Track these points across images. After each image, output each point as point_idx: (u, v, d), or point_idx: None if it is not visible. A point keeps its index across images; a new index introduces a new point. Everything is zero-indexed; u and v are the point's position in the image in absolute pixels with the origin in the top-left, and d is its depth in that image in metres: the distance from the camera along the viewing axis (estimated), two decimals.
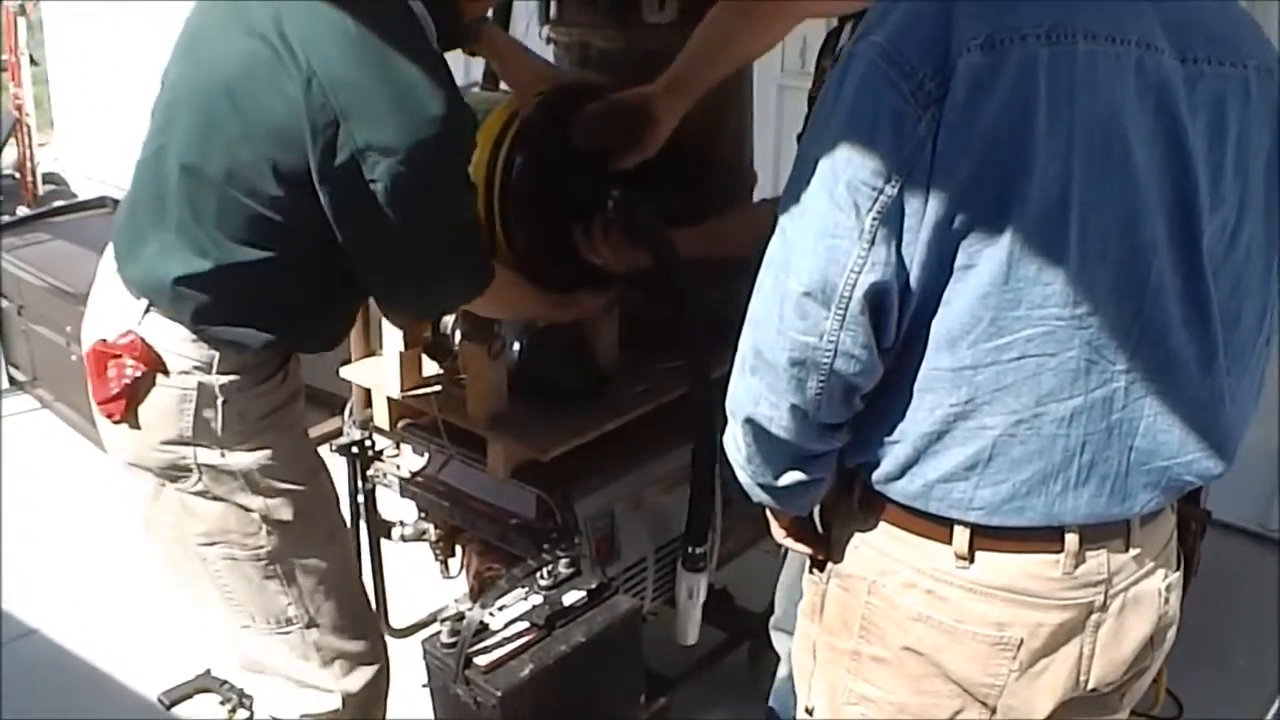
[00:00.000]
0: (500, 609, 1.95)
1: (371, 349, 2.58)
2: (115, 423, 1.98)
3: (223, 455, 1.99)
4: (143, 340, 1.93)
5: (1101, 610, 1.48)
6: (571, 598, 1.99)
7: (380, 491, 2.66)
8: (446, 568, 2.71)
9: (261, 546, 2.06)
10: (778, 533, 1.68)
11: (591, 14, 2.39)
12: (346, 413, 2.62)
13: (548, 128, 2.13)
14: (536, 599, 1.99)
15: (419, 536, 2.67)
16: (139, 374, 1.92)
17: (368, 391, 2.57)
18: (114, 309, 1.98)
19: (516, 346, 2.30)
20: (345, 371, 2.52)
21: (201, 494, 2.02)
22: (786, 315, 1.36)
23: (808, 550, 1.65)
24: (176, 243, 1.89)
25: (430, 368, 2.45)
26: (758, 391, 1.43)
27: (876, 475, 1.49)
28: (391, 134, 1.74)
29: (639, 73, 2.30)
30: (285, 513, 2.06)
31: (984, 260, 1.32)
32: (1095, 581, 1.47)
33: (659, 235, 2.15)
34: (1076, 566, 1.45)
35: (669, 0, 2.31)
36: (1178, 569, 1.59)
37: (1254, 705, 3.06)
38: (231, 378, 1.96)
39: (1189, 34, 1.36)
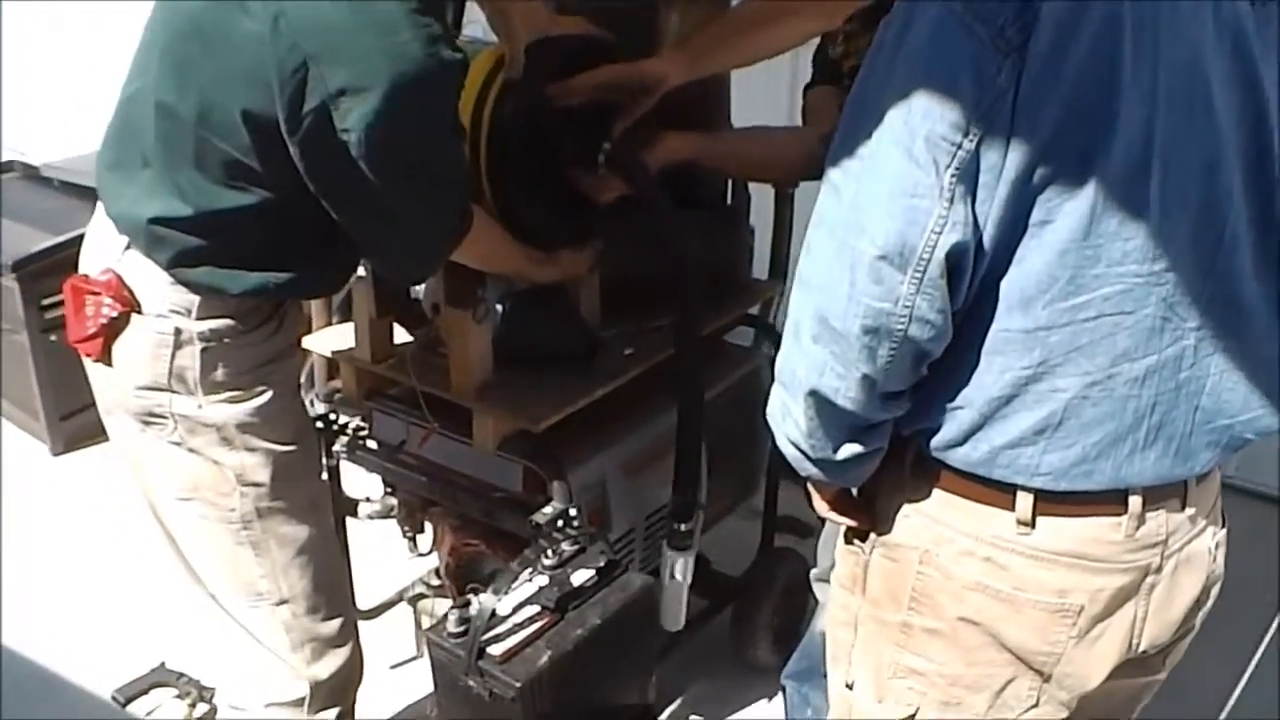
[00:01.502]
0: (496, 590, 1.84)
1: (331, 317, 2.43)
2: (94, 362, 1.89)
3: (199, 406, 1.87)
4: (120, 279, 1.82)
5: (1157, 572, 1.44)
6: (580, 577, 1.88)
7: (344, 467, 2.51)
8: (415, 545, 2.60)
9: (234, 509, 1.94)
10: (820, 506, 1.60)
11: None
12: (305, 384, 2.46)
13: (541, 76, 1.99)
14: (542, 579, 1.88)
15: (387, 514, 2.57)
16: (115, 314, 1.82)
17: (329, 361, 2.42)
18: (99, 245, 1.88)
19: (500, 310, 2.17)
20: (308, 341, 2.36)
21: (176, 444, 1.90)
22: (859, 280, 1.28)
23: (851, 522, 1.57)
24: (155, 182, 1.77)
25: (400, 335, 2.31)
26: (822, 361, 1.35)
27: (935, 442, 1.42)
28: (366, 76, 1.58)
29: (621, 20, 2.19)
30: (262, 474, 1.93)
31: (1063, 216, 1.26)
32: (1154, 543, 1.43)
33: (655, 190, 2.05)
34: (1138, 528, 1.41)
35: None
36: (1223, 525, 1.55)
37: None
38: (212, 324, 1.83)
39: None
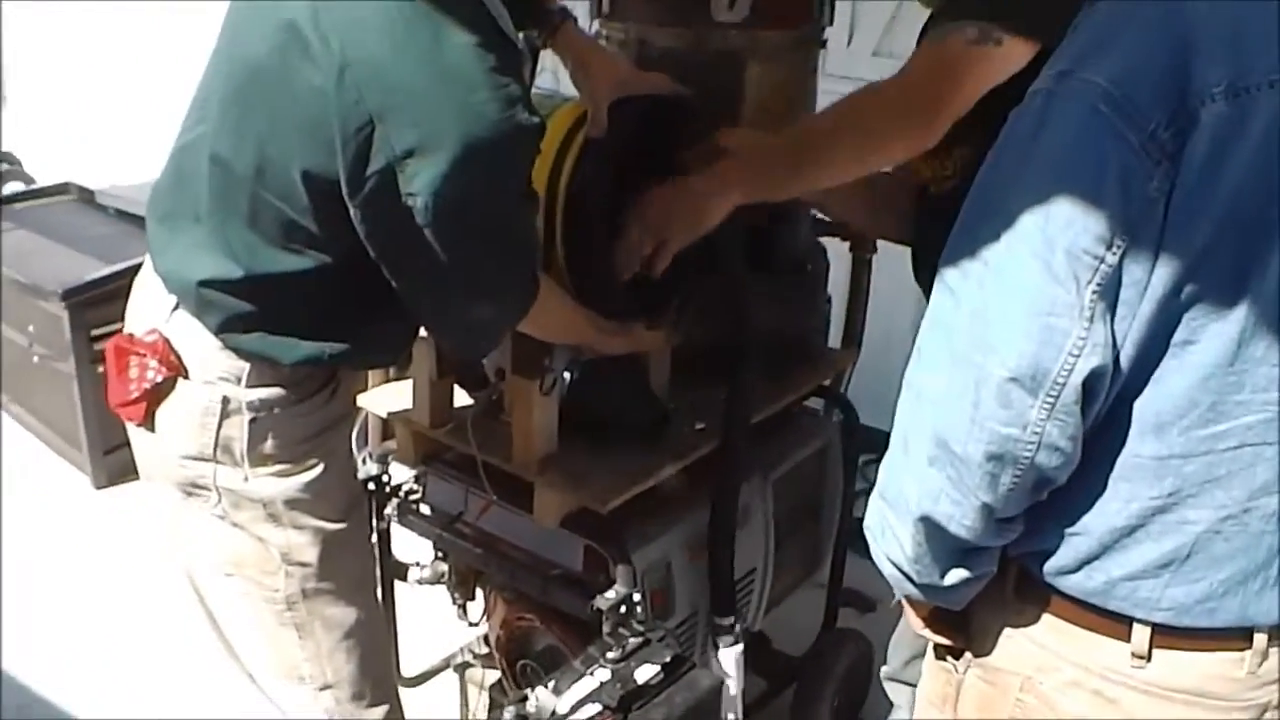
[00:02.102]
0: (557, 690, 1.72)
1: (389, 374, 2.33)
2: (136, 426, 1.80)
3: (245, 480, 1.77)
4: (167, 341, 1.73)
5: (1276, 709, 1.34)
6: (645, 672, 1.76)
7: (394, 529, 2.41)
8: (465, 612, 2.49)
9: (278, 590, 1.84)
10: (915, 623, 1.49)
11: (652, 8, 2.15)
12: (357, 442, 2.36)
13: (623, 138, 1.88)
14: (604, 673, 1.76)
15: (437, 579, 2.46)
16: (161, 378, 1.73)
17: (384, 420, 2.32)
18: (146, 302, 1.78)
19: (566, 379, 2.05)
20: (363, 399, 2.27)
21: (220, 518, 1.81)
22: (984, 402, 1.17)
23: (947, 641, 1.46)
24: (207, 240, 1.67)
25: (460, 398, 2.21)
26: (937, 486, 1.24)
27: (1047, 567, 1.32)
28: (436, 138, 1.46)
29: (705, 75, 2.09)
30: (310, 553, 1.83)
31: (1209, 336, 1.16)
32: (1273, 680, 1.32)
33: (737, 262, 1.94)
34: (1261, 664, 1.30)
35: None
36: None
37: None
38: (263, 393, 1.74)
39: None
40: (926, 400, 1.25)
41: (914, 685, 2.16)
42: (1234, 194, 1.11)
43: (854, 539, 2.77)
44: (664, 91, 1.97)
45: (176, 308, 1.73)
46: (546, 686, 1.70)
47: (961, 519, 1.25)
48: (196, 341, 1.72)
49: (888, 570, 1.38)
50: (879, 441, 2.44)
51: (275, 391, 1.74)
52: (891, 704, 2.42)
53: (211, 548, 1.84)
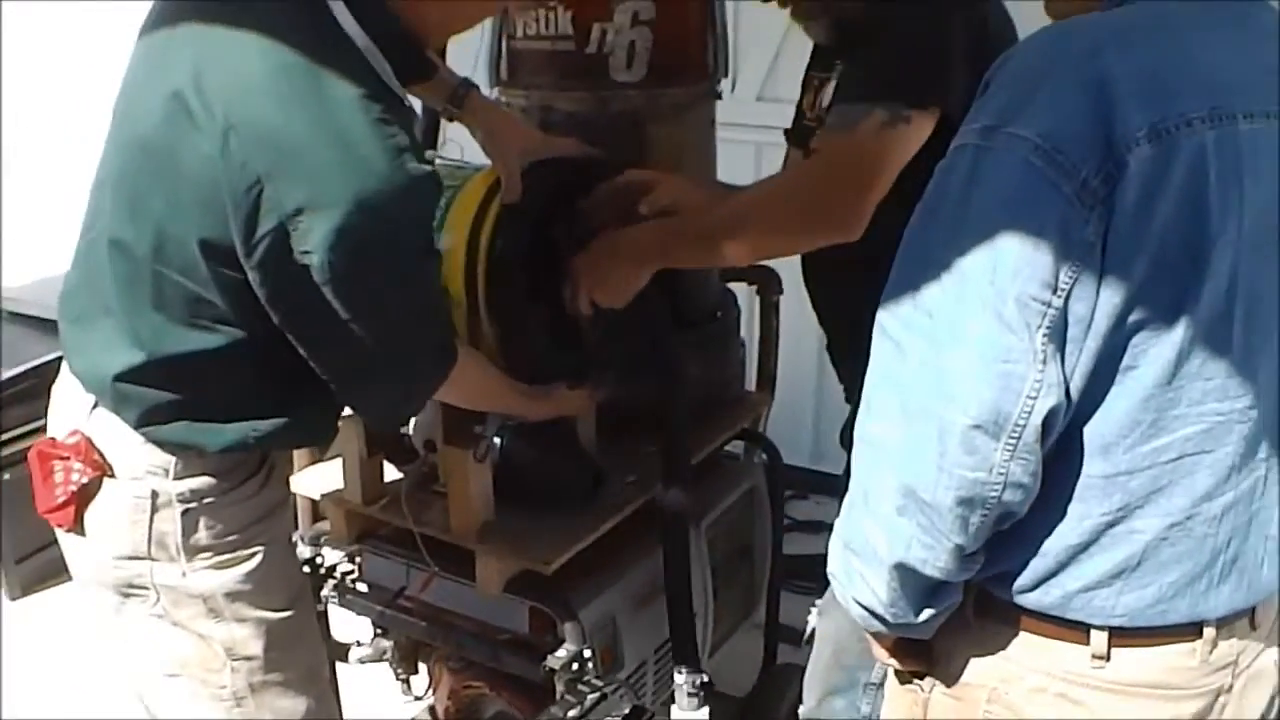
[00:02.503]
0: None
1: (315, 455, 2.32)
2: (66, 532, 1.75)
3: (184, 575, 1.72)
4: (89, 441, 1.69)
5: (1228, 692, 1.39)
6: None
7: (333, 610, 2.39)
8: (409, 687, 2.47)
9: (224, 686, 1.78)
10: (880, 654, 1.51)
11: (552, 74, 2.19)
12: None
13: (540, 202, 1.92)
14: None
15: (379, 657, 2.43)
16: (86, 479, 1.68)
17: (314, 502, 2.31)
18: (66, 404, 1.75)
19: (498, 443, 2.06)
20: (292, 482, 2.24)
21: (159, 617, 1.75)
22: (950, 451, 1.21)
23: (915, 667, 1.49)
24: (117, 332, 1.64)
25: (390, 472, 2.21)
26: (909, 534, 1.28)
27: (1005, 588, 1.36)
28: (325, 192, 1.44)
29: (608, 136, 2.13)
30: (254, 645, 1.78)
31: (1148, 361, 1.22)
32: (1225, 665, 1.38)
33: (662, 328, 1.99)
34: (1212, 652, 1.36)
35: (637, 57, 2.11)
36: None
37: None
38: (193, 484, 1.70)
39: None
40: (884, 451, 1.28)
41: None
42: (1163, 233, 1.17)
43: (788, 576, 2.84)
44: (574, 154, 2.01)
45: (96, 406, 1.69)
46: None
47: (935, 561, 1.28)
48: (119, 438, 1.68)
49: (857, 612, 1.41)
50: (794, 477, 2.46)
51: (205, 481, 1.70)
52: None
53: (153, 650, 1.78)
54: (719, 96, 2.34)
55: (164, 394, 1.64)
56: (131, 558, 1.71)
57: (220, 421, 1.67)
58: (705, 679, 2.16)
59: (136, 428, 1.66)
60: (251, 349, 1.62)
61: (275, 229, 1.46)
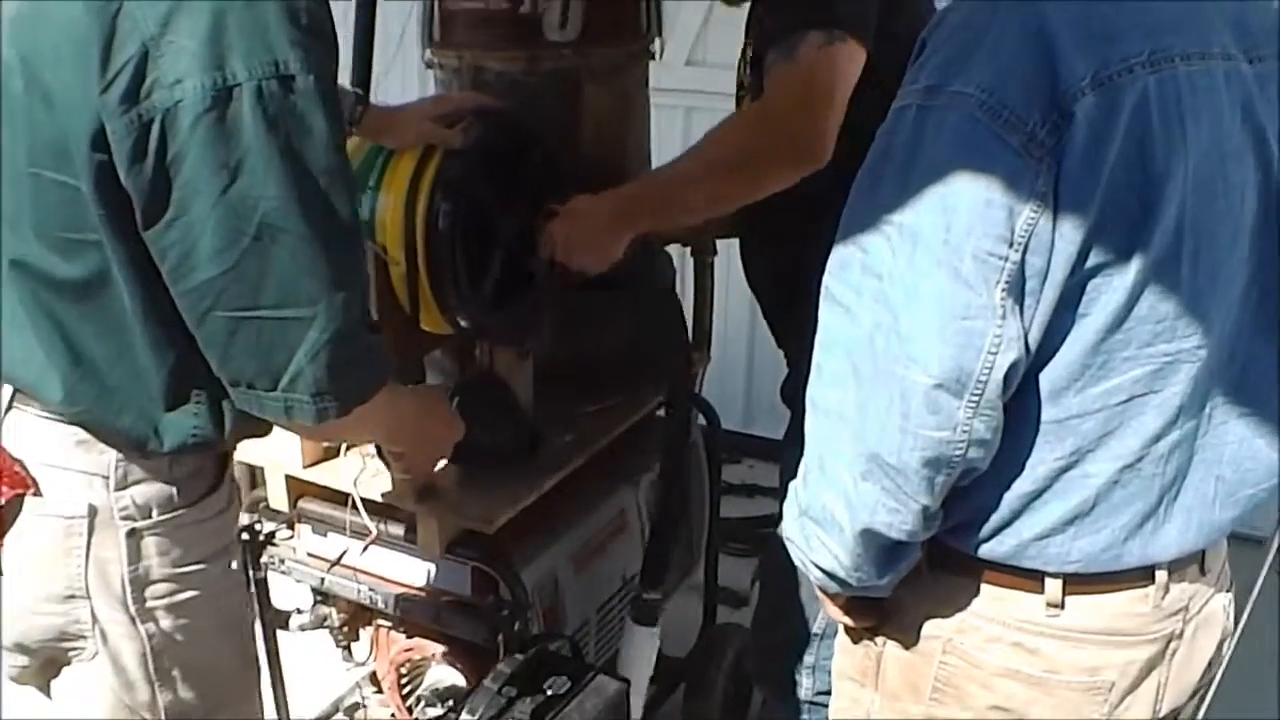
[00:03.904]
0: (473, 711, 1.73)
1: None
2: None
3: (134, 623, 1.49)
4: (3, 451, 1.44)
5: (1179, 637, 1.41)
6: (552, 685, 1.78)
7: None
8: (350, 654, 2.46)
9: None
10: (833, 612, 1.51)
11: (484, 34, 2.17)
12: None
13: (478, 163, 1.91)
14: (511, 690, 1.78)
15: (320, 624, 2.41)
16: (4, 500, 1.42)
17: (252, 469, 2.29)
18: None
19: None
20: None
21: (91, 679, 1.51)
22: (913, 412, 1.21)
23: (868, 623, 1.50)
24: (13, 296, 1.42)
25: None
26: (873, 499, 1.27)
27: (960, 539, 1.37)
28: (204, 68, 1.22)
29: (542, 97, 2.14)
30: (197, 712, 1.58)
31: (1099, 307, 1.22)
32: (1177, 610, 1.40)
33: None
34: (1164, 597, 1.38)
35: (571, 17, 2.11)
36: (1230, 582, 1.53)
37: None
38: (142, 489, 1.47)
39: (1247, 31, 1.29)
40: (839, 418, 1.28)
41: None
42: (1112, 179, 1.17)
43: (726, 538, 2.87)
44: (476, 106, 2.01)
45: (9, 408, 1.46)
46: (463, 709, 1.70)
47: (901, 524, 1.28)
48: (45, 439, 1.44)
49: (815, 575, 1.41)
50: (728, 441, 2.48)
51: (156, 491, 1.47)
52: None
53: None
54: (653, 56, 2.35)
55: (88, 359, 1.42)
56: (65, 598, 1.47)
57: (158, 401, 1.43)
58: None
59: (64, 411, 1.43)
60: (141, 286, 1.37)
61: (137, 57, 1.24)
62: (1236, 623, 1.53)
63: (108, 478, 1.45)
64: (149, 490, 1.47)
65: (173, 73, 1.23)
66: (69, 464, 1.45)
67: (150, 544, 1.48)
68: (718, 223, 2.31)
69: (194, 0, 1.24)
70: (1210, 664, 1.49)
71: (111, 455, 1.45)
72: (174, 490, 1.49)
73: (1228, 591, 1.50)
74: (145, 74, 1.24)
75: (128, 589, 1.48)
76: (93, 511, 1.44)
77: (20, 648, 1.52)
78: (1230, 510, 1.38)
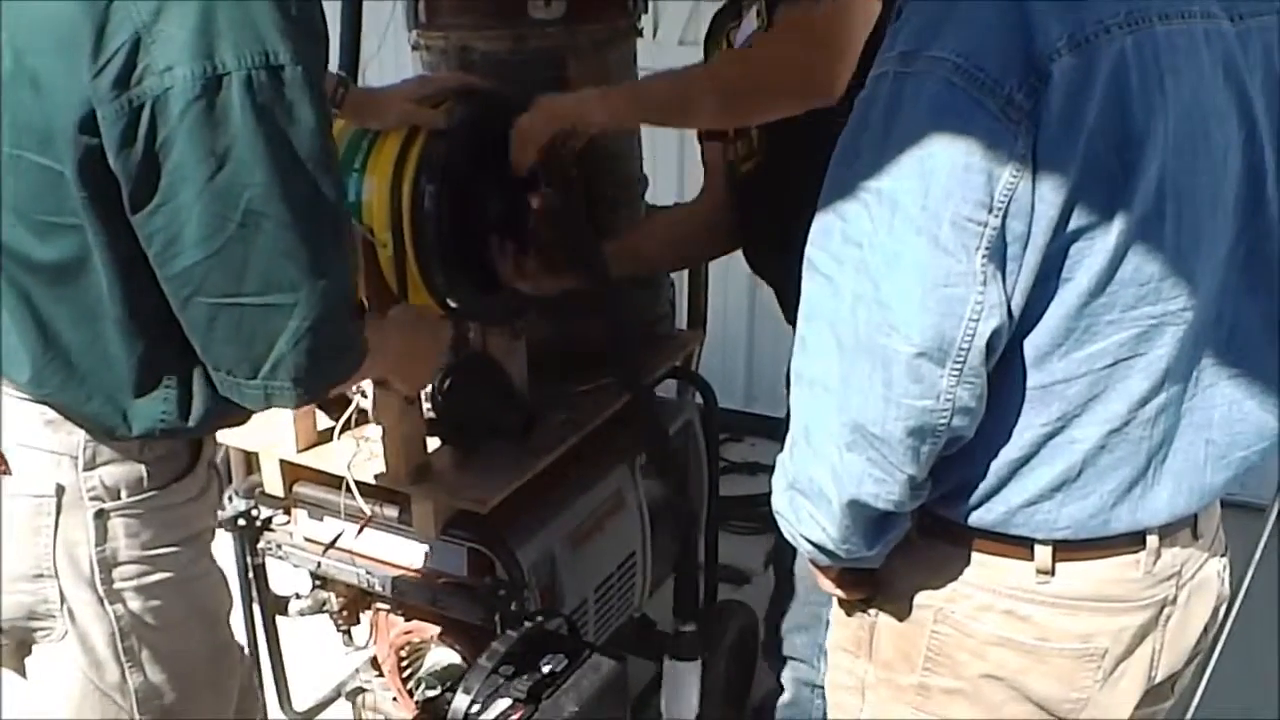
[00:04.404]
0: (468, 690, 1.74)
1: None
2: None
3: (102, 604, 1.49)
4: None
5: (1173, 603, 1.41)
6: (548, 662, 1.78)
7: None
8: (350, 638, 2.46)
9: None
10: (825, 584, 1.51)
11: (471, 14, 2.16)
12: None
13: (463, 144, 1.90)
14: (508, 669, 1.78)
15: (319, 609, 2.42)
16: None
17: (247, 455, 2.29)
18: None
19: (430, 388, 2.06)
20: (225, 435, 2.22)
21: (61, 659, 1.52)
22: (896, 381, 1.20)
23: (860, 595, 1.49)
24: None
25: (322, 420, 2.20)
26: (859, 470, 1.27)
27: (948, 507, 1.37)
28: (193, 56, 1.24)
29: (528, 75, 2.12)
30: (168, 696, 1.57)
31: (1082, 270, 1.21)
32: (1169, 575, 1.39)
33: (596, 253, 2.00)
34: (1155, 563, 1.37)
35: None
36: (1225, 547, 1.52)
37: None
38: (111, 470, 1.48)
39: None
40: (824, 389, 1.27)
41: None
42: (1091, 141, 1.16)
43: (723, 518, 2.87)
44: (460, 85, 2.00)
45: None
46: (458, 688, 1.71)
47: (887, 495, 1.28)
48: (12, 418, 1.45)
49: (805, 548, 1.40)
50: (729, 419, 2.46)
51: (125, 471, 1.48)
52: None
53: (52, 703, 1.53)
54: (639, 34, 2.33)
55: (53, 338, 1.42)
56: (33, 577, 1.48)
57: (131, 381, 1.43)
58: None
59: (31, 390, 1.44)
60: (118, 271, 1.38)
61: (129, 45, 1.25)
62: (1236, 590, 1.52)
63: (76, 458, 1.46)
64: (118, 471, 1.49)
65: (164, 60, 1.25)
66: (38, 443, 1.46)
67: (118, 525, 1.49)
68: (709, 246, 2.35)
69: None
70: (1206, 629, 1.49)
71: (80, 435, 1.46)
72: (144, 473, 1.50)
73: (1222, 556, 1.49)
74: (137, 61, 1.26)
75: (95, 569, 1.48)
76: (60, 491, 1.46)
77: None
78: (1222, 473, 1.37)
